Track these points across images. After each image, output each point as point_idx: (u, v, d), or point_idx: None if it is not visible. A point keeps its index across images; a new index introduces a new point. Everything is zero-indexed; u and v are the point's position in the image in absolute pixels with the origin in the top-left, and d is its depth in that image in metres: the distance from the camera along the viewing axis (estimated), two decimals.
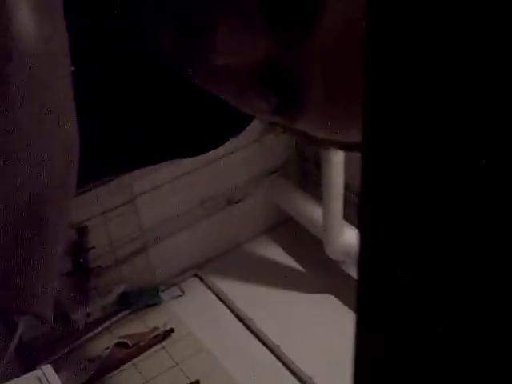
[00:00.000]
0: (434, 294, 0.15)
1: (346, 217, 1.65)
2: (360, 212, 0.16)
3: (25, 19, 0.30)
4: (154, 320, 1.74)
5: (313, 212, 1.77)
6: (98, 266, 1.67)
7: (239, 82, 0.38)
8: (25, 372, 1.16)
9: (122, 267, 1.74)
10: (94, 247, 1.63)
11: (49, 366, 1.18)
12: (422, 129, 0.15)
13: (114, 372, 1.62)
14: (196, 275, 1.88)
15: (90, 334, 1.68)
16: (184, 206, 1.79)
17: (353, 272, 1.73)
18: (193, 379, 1.58)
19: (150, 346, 1.66)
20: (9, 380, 1.12)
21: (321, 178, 1.61)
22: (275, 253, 1.93)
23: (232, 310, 1.76)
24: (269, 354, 1.63)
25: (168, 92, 0.46)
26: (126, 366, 1.63)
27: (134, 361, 1.64)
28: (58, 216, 0.32)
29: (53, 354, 1.61)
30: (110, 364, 1.61)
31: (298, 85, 0.37)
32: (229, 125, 0.50)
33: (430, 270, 0.15)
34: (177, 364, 1.63)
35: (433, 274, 0.15)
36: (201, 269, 1.89)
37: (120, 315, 1.74)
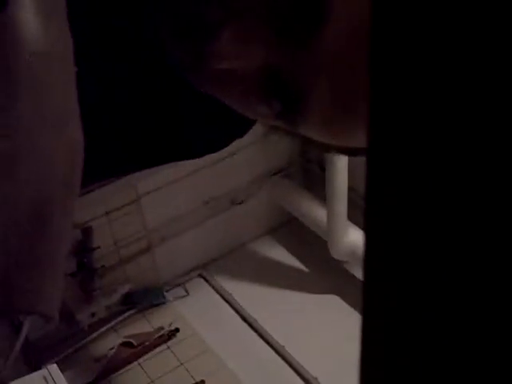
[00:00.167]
0: (441, 295, 0.15)
1: (351, 217, 1.65)
2: (365, 213, 0.16)
3: (31, 22, 0.30)
4: (158, 320, 1.74)
5: (317, 212, 1.77)
6: (103, 266, 1.67)
7: (242, 87, 0.39)
8: (30, 371, 1.17)
9: (126, 267, 1.74)
10: (98, 247, 1.63)
11: (54, 365, 1.18)
12: (427, 129, 0.15)
13: (120, 372, 1.62)
14: (200, 275, 1.88)
15: (95, 334, 1.69)
16: (188, 206, 1.79)
17: (357, 272, 1.73)
18: (198, 379, 1.58)
19: (155, 346, 1.67)
20: (15, 379, 1.12)
21: (325, 178, 1.61)
22: (279, 253, 1.93)
23: (237, 310, 1.76)
24: (273, 354, 1.63)
25: (171, 93, 0.46)
26: (131, 365, 1.63)
27: (139, 360, 1.64)
28: (62, 216, 0.32)
29: (58, 354, 1.62)
30: (116, 364, 1.62)
31: (301, 90, 0.37)
32: (232, 127, 0.50)
33: (436, 271, 0.15)
34: (182, 364, 1.63)
35: (439, 275, 0.15)
36: (205, 269, 1.89)
37: (125, 315, 1.75)
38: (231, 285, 1.83)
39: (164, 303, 1.79)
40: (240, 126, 0.50)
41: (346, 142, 0.41)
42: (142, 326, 1.73)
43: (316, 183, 1.87)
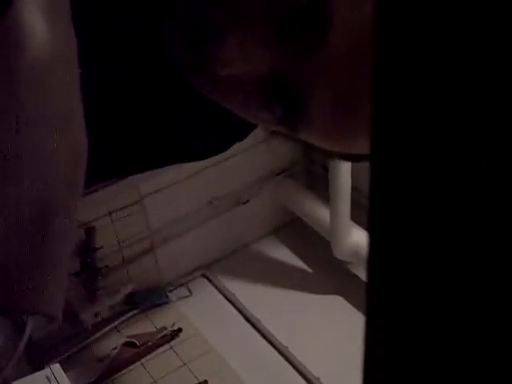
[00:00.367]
0: (444, 296, 0.15)
1: (354, 217, 1.64)
2: (369, 213, 0.16)
3: (36, 22, 0.30)
4: (161, 320, 1.75)
5: (320, 213, 1.77)
6: (106, 266, 1.68)
7: (243, 92, 0.39)
8: (34, 371, 1.17)
9: (129, 267, 1.74)
10: (101, 247, 1.63)
11: (57, 365, 1.19)
12: (430, 130, 0.15)
13: (122, 371, 1.62)
14: (203, 275, 1.88)
15: (98, 334, 1.69)
16: (191, 206, 1.79)
17: (360, 273, 1.73)
18: (201, 379, 1.58)
19: (158, 346, 1.67)
20: (18, 379, 1.12)
21: (328, 178, 1.61)
22: (283, 253, 1.93)
23: (240, 311, 1.76)
24: (276, 354, 1.63)
25: (172, 96, 0.46)
26: (134, 365, 1.63)
27: (142, 360, 1.64)
28: (65, 216, 0.32)
29: (61, 354, 1.62)
30: (118, 363, 1.62)
31: (302, 95, 0.37)
32: (232, 130, 0.50)
33: (440, 272, 0.15)
34: (185, 364, 1.63)
35: (442, 275, 0.15)
36: (208, 269, 1.89)
37: (128, 315, 1.75)
38: (234, 285, 1.83)
39: (167, 303, 1.79)
40: (240, 130, 0.50)
41: (347, 149, 0.41)
42: (145, 326, 1.73)
43: (319, 183, 1.87)
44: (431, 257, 0.15)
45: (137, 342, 1.65)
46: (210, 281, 1.87)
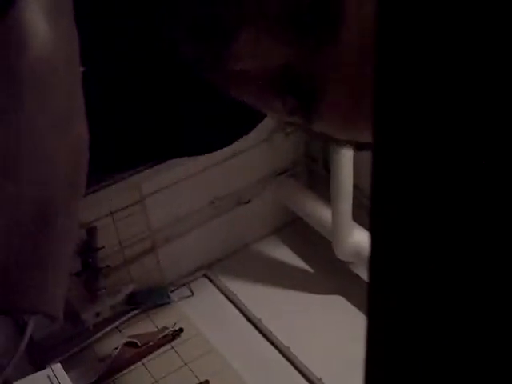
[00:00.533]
0: (446, 296, 0.15)
1: (356, 217, 1.64)
2: (371, 213, 0.16)
3: (38, 22, 0.30)
4: (163, 320, 1.75)
5: (321, 212, 1.77)
6: (107, 266, 1.68)
7: (258, 85, 0.39)
8: (35, 371, 1.17)
9: (130, 267, 1.74)
10: (103, 247, 1.63)
11: (59, 364, 1.19)
12: (432, 130, 0.15)
13: (124, 371, 1.62)
14: (205, 275, 1.88)
15: (100, 334, 1.69)
16: (193, 206, 1.79)
17: (362, 273, 1.72)
18: (202, 379, 1.58)
19: (159, 346, 1.67)
20: (19, 379, 1.12)
21: (329, 178, 1.61)
22: (284, 253, 1.93)
23: (241, 311, 1.76)
24: (278, 354, 1.63)
25: (174, 91, 0.47)
26: (135, 365, 1.64)
27: (144, 360, 1.64)
28: (65, 216, 0.32)
29: (62, 353, 1.62)
30: (120, 363, 1.62)
31: (315, 90, 0.38)
32: (239, 123, 0.50)
33: (441, 272, 0.15)
34: (186, 364, 1.63)
35: (444, 276, 0.15)
36: (210, 269, 1.89)
37: (129, 315, 1.75)
38: (236, 285, 1.83)
39: (168, 303, 1.79)
40: (245, 124, 0.50)
41: (357, 137, 0.42)
42: (147, 326, 1.73)
43: (321, 183, 1.87)
44: (433, 257, 0.15)
45: (138, 342, 1.65)
46: (211, 281, 1.87)
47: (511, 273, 0.14)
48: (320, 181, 1.90)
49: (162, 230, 1.76)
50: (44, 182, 0.31)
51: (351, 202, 1.61)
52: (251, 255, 1.94)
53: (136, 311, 1.76)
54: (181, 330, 1.71)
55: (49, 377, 1.14)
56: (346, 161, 1.54)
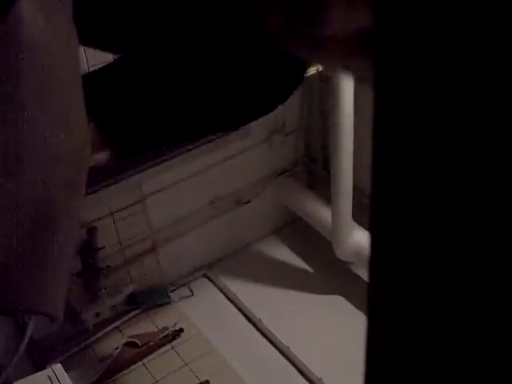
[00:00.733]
0: (445, 296, 0.15)
1: (355, 217, 1.64)
2: (371, 214, 0.16)
3: (38, 22, 0.30)
4: (163, 320, 1.75)
5: (321, 213, 1.77)
6: (108, 266, 1.68)
7: (341, 50, 0.39)
8: (35, 371, 1.17)
9: (131, 267, 1.74)
10: (103, 247, 1.63)
11: (59, 365, 1.19)
12: (432, 130, 0.15)
13: (124, 371, 1.62)
14: (205, 275, 1.88)
15: (100, 334, 1.69)
16: (193, 206, 1.79)
17: (362, 273, 1.73)
18: (202, 379, 1.58)
19: (160, 346, 1.67)
20: (19, 379, 1.12)
21: (329, 178, 1.61)
22: (284, 253, 1.93)
23: (241, 310, 1.76)
24: (278, 354, 1.63)
25: (212, 61, 0.47)
26: (135, 365, 1.64)
27: (144, 360, 1.64)
28: (66, 216, 0.32)
29: (63, 354, 1.62)
30: (120, 363, 1.62)
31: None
32: (274, 91, 0.51)
33: (441, 273, 0.15)
34: (186, 364, 1.63)
35: (443, 276, 0.15)
36: (210, 269, 1.89)
37: (129, 315, 1.75)
38: (236, 285, 1.83)
39: (168, 303, 1.79)
40: (282, 91, 0.51)
41: None
42: (147, 326, 1.73)
43: (321, 183, 1.87)
44: (432, 257, 0.15)
45: (138, 342, 1.65)
46: (211, 281, 1.87)
47: (510, 273, 0.14)
48: (320, 181, 1.90)
49: (162, 230, 1.76)
50: (45, 182, 0.31)
51: (351, 202, 1.61)
52: (251, 255, 1.94)
53: (136, 311, 1.76)
54: (181, 330, 1.71)
55: (49, 377, 1.14)
56: (346, 161, 1.54)
